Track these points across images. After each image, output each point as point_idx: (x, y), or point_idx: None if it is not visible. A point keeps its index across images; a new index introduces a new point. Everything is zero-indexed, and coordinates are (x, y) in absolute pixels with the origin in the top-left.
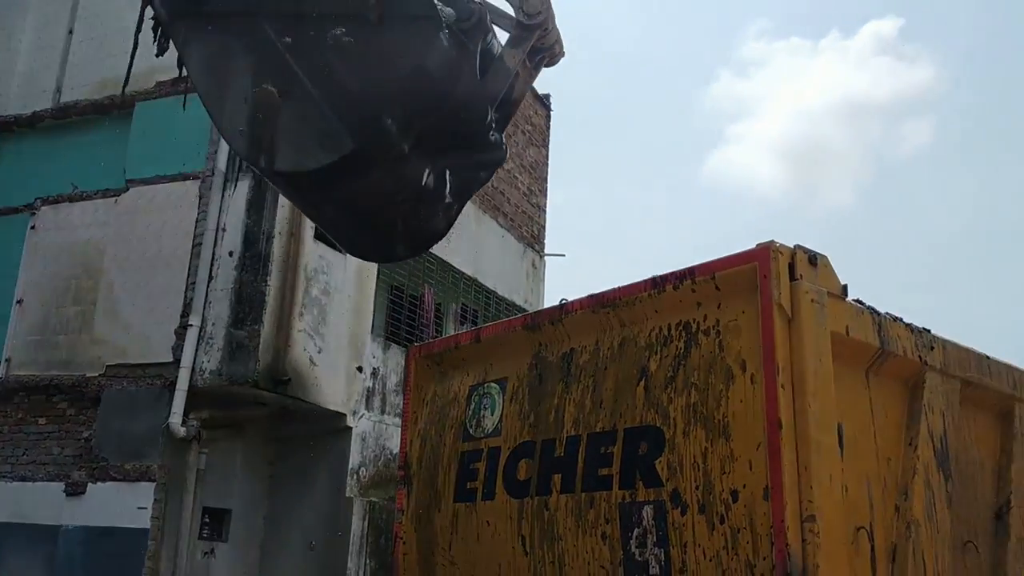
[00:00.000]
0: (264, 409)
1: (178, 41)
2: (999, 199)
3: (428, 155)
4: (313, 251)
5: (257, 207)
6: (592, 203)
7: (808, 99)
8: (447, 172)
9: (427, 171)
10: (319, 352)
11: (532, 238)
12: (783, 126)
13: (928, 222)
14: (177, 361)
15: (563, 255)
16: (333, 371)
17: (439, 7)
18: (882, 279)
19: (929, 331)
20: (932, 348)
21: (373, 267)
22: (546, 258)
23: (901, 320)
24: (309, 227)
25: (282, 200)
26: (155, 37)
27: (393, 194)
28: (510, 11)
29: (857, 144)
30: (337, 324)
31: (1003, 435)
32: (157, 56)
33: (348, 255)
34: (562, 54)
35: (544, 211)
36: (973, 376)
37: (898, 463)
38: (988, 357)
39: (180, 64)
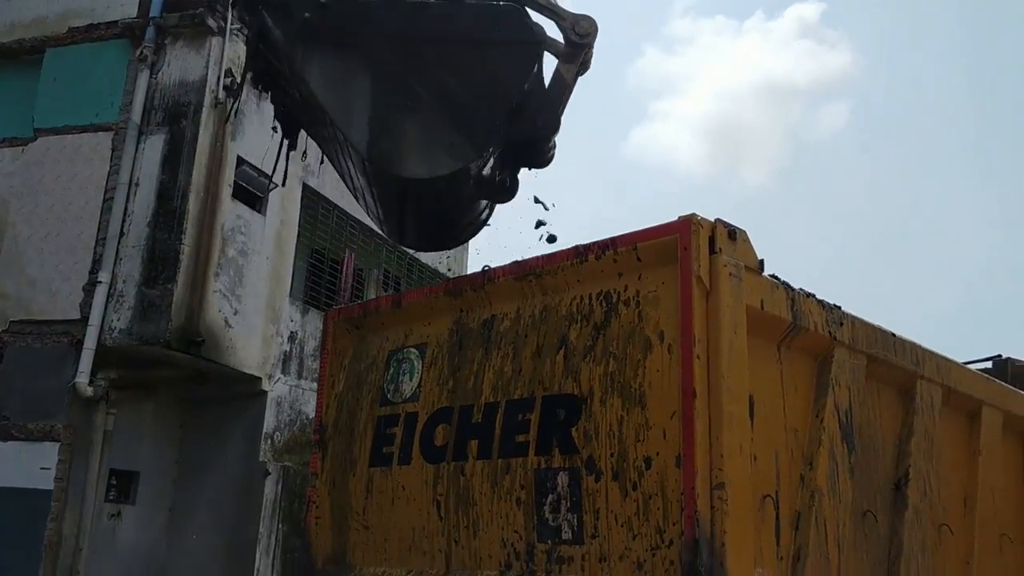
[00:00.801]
0: (176, 370)
1: (295, 61)
2: (907, 183)
3: (501, 158)
4: (231, 210)
5: (172, 163)
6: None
7: (731, 79)
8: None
9: (497, 172)
10: (235, 314)
11: None
12: (706, 105)
13: (841, 204)
14: (85, 319)
15: (489, 224)
16: (249, 334)
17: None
18: (797, 258)
19: (839, 307)
20: (842, 324)
21: (293, 229)
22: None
23: (813, 296)
24: (226, 185)
25: (199, 156)
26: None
27: (469, 194)
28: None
29: (777, 125)
30: (254, 286)
31: (905, 410)
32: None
33: (267, 215)
34: (590, 64)
35: None
36: (879, 352)
37: (805, 434)
38: (894, 335)
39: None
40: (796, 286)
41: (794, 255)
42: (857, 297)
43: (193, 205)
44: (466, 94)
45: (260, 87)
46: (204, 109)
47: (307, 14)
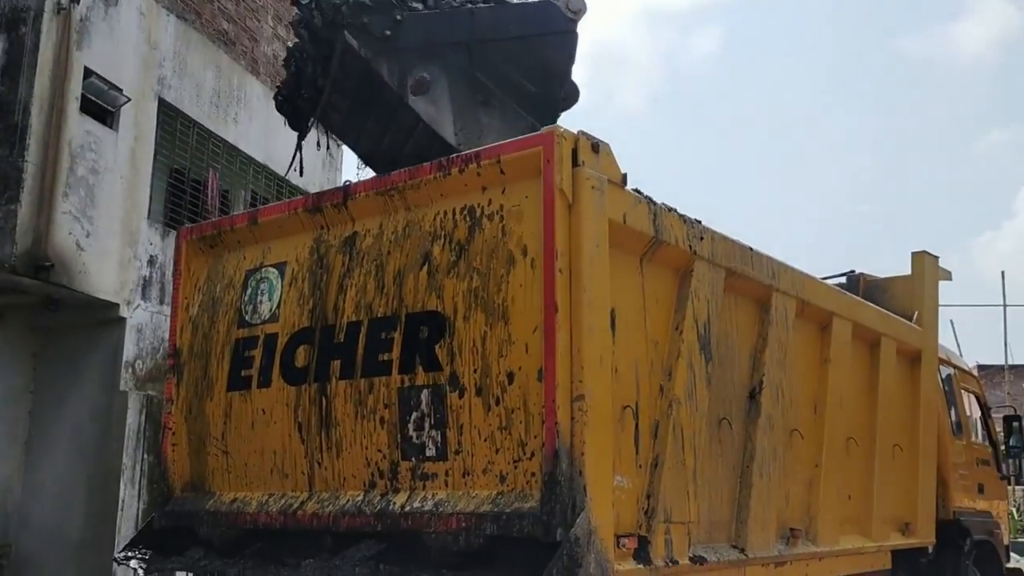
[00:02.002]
0: (25, 297)
1: (383, 75)
2: (778, 107)
3: None
4: (79, 125)
5: (11, 74)
6: None
7: (607, 3)
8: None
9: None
10: (87, 236)
11: None
12: (582, 28)
13: (714, 127)
14: None
15: None
16: (104, 257)
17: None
18: (670, 180)
19: (700, 222)
20: (702, 239)
21: (149, 147)
22: (343, 147)
23: (675, 211)
24: (73, 98)
25: (41, 67)
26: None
27: None
28: None
29: (653, 50)
30: (108, 207)
31: (760, 322)
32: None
33: (119, 132)
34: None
35: None
36: (737, 266)
37: (665, 346)
38: (752, 249)
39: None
40: (659, 200)
41: (669, 176)
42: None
43: (36, 120)
44: (527, 82)
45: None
46: (45, 15)
47: (387, 31)
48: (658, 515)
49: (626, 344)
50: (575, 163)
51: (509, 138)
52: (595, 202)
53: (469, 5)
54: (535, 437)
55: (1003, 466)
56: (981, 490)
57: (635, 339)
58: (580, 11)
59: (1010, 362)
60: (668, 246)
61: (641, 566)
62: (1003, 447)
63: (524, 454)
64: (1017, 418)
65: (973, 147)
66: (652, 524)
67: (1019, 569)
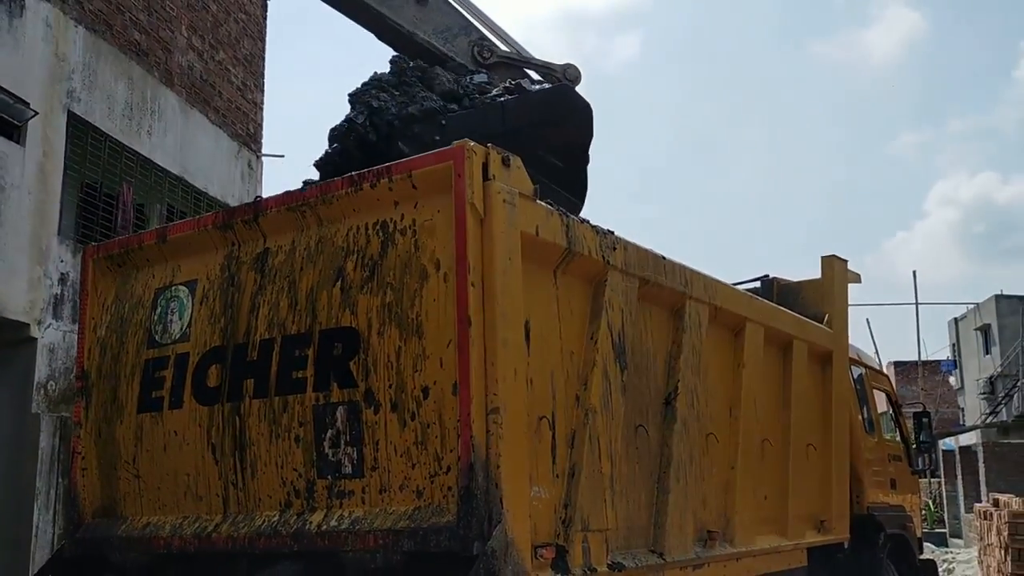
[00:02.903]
0: None
1: None
2: (692, 112)
3: None
4: None
5: None
6: (318, 104)
7: (528, 8)
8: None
9: None
10: None
11: (248, 137)
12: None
13: (635, 133)
14: None
15: (282, 156)
16: (12, 276)
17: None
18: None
19: (612, 232)
20: (615, 249)
21: (58, 162)
22: (264, 159)
23: (588, 222)
24: None
25: None
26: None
27: None
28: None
29: (573, 55)
30: (16, 224)
31: (675, 329)
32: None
33: (26, 147)
34: None
35: (261, 108)
36: (650, 275)
37: (580, 356)
38: (664, 258)
39: None
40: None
41: (595, 187)
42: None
43: None
44: (559, 161)
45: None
46: None
47: (437, 137)
48: (575, 524)
49: (541, 355)
50: (486, 177)
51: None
52: (507, 215)
53: (500, 100)
54: (451, 451)
55: (915, 461)
56: (894, 485)
57: (550, 350)
58: (577, 79)
59: (923, 358)
60: (581, 257)
61: (559, 575)
62: (914, 443)
63: (440, 468)
64: (926, 414)
65: (885, 150)
66: (570, 533)
67: (932, 560)
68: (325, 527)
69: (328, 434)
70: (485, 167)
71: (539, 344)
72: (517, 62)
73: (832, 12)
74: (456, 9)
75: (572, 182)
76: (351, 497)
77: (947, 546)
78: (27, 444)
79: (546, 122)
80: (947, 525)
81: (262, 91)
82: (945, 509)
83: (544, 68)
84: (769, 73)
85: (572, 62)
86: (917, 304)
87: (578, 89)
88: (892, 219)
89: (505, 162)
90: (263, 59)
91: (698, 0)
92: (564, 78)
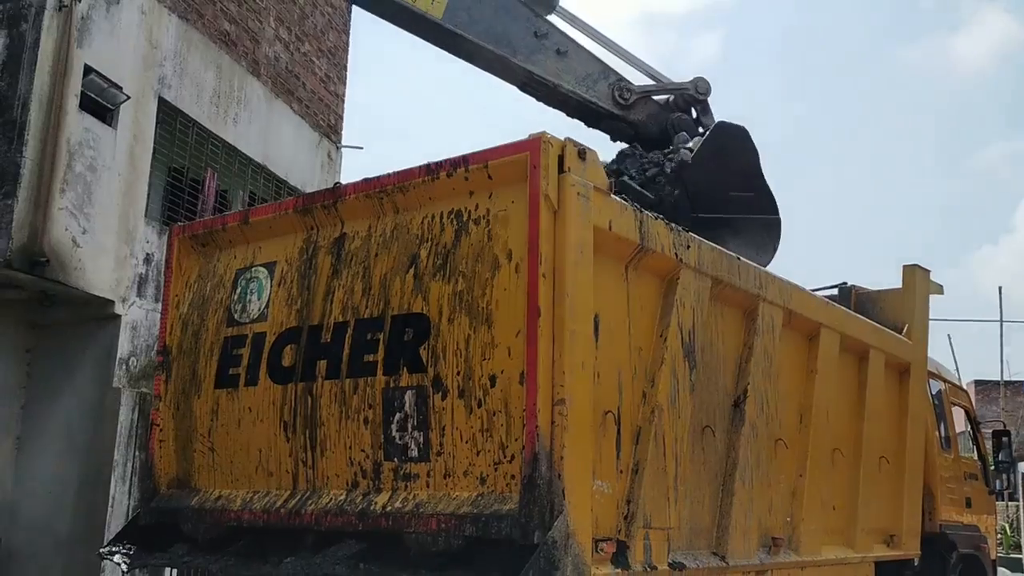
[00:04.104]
0: (19, 292)
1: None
2: (775, 114)
3: None
4: (78, 122)
5: (11, 70)
6: (395, 98)
7: (608, 9)
8: None
9: None
10: (83, 233)
11: (329, 128)
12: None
13: None
14: None
15: (361, 148)
16: (100, 254)
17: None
18: None
19: (687, 231)
20: (688, 247)
21: (148, 145)
22: (343, 150)
23: (662, 219)
24: (73, 95)
25: (41, 63)
26: None
27: None
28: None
29: (651, 55)
30: (105, 204)
31: (746, 331)
32: None
33: (118, 130)
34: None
35: (343, 100)
36: (723, 275)
37: (649, 353)
38: (739, 259)
39: None
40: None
41: None
42: None
43: (35, 116)
44: (744, 190)
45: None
46: (46, 12)
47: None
48: (638, 520)
49: (609, 350)
50: (561, 170)
51: (763, 249)
52: (580, 208)
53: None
54: (516, 440)
55: (993, 481)
56: (969, 504)
57: (619, 345)
58: (707, 92)
59: (1006, 378)
60: (654, 253)
61: (619, 570)
62: (992, 463)
63: (504, 457)
64: (1006, 433)
65: (973, 160)
66: (631, 529)
67: None
68: (390, 508)
69: (396, 417)
70: (561, 159)
71: (608, 338)
72: (652, 92)
73: (921, 15)
74: (593, 56)
75: (763, 203)
76: (416, 480)
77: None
78: (107, 417)
79: (723, 165)
80: None
81: (344, 83)
82: (1023, 534)
83: (677, 90)
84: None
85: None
86: (1002, 321)
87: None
88: (978, 232)
89: (581, 155)
90: (347, 51)
91: (779, 0)
92: (696, 92)
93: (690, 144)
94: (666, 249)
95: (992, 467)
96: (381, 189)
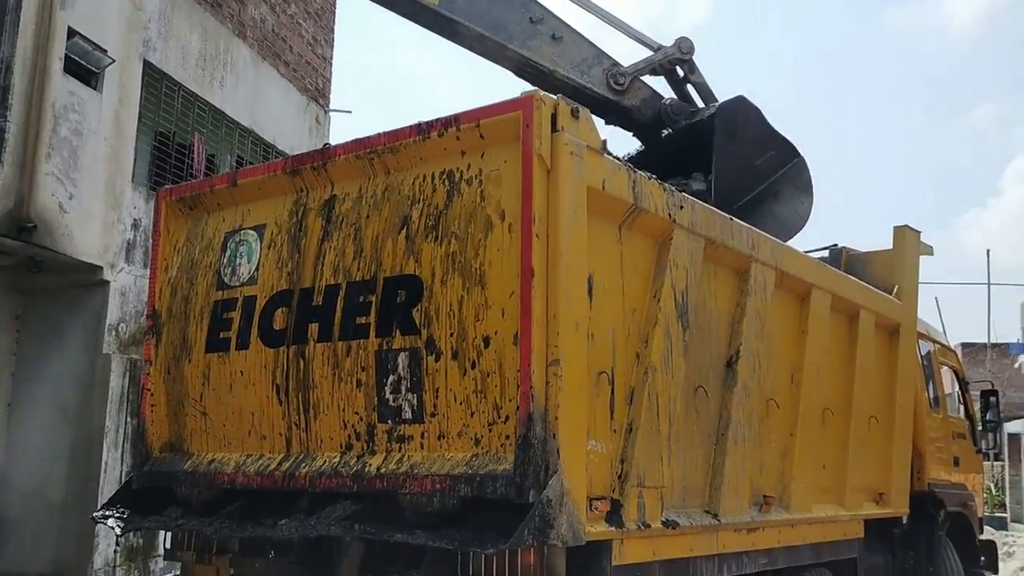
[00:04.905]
0: (7, 258)
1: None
2: (764, 79)
3: None
4: (62, 86)
5: None
6: (385, 61)
7: None
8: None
9: None
10: (70, 198)
11: (316, 92)
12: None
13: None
14: None
15: (349, 112)
16: (87, 219)
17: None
18: None
19: (680, 191)
20: (681, 207)
21: (133, 109)
22: (331, 114)
23: (655, 179)
24: (57, 58)
25: (24, 26)
26: None
27: None
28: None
29: (639, 19)
30: (92, 169)
31: (739, 292)
32: None
33: (103, 93)
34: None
35: (330, 63)
36: (716, 235)
37: (642, 314)
38: (731, 219)
39: None
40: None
41: None
42: None
43: (19, 79)
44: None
45: None
46: None
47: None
48: (631, 479)
49: (603, 310)
50: (554, 128)
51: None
52: (574, 168)
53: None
54: (510, 401)
55: (980, 440)
56: (956, 463)
57: (612, 306)
58: (691, 51)
59: (993, 340)
60: (647, 214)
61: (613, 528)
62: (980, 422)
63: (499, 417)
64: (994, 393)
65: (961, 122)
66: (625, 488)
67: (992, 541)
68: (384, 470)
69: (389, 380)
70: (554, 118)
71: (601, 299)
72: (642, 67)
73: None
74: (587, 41)
75: (783, 151)
76: (410, 442)
77: (1007, 530)
78: (98, 383)
79: (739, 147)
80: (1008, 509)
81: (332, 46)
82: (1007, 493)
83: (664, 56)
84: (841, 41)
85: (685, 36)
86: (989, 284)
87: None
88: (966, 195)
89: (574, 114)
90: (333, 14)
91: None
92: (681, 52)
93: (699, 180)
94: (659, 209)
95: (980, 427)
96: (371, 150)
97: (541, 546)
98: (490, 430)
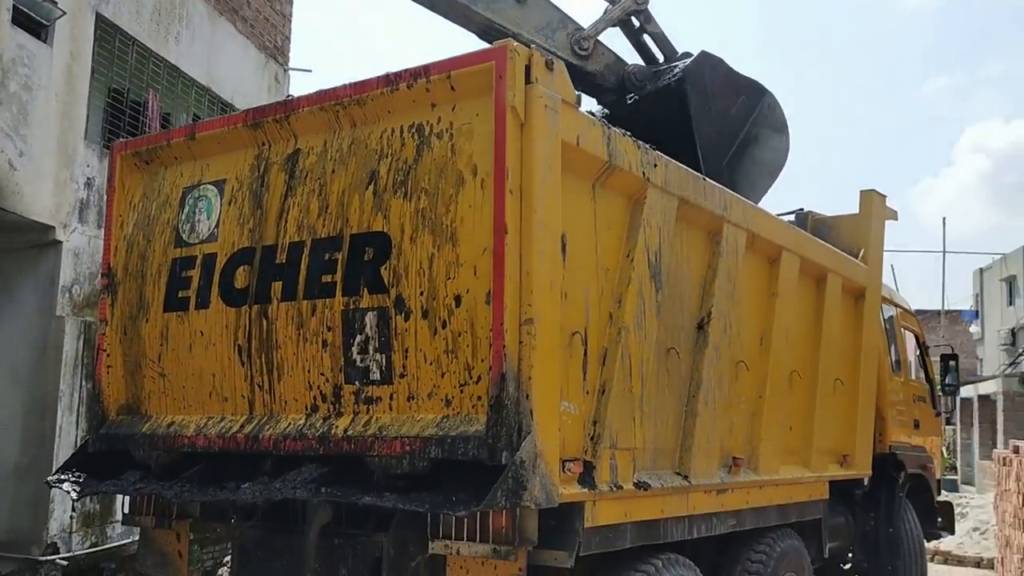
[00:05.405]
0: None
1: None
2: (721, 50)
3: None
4: (11, 38)
5: None
6: (345, 22)
7: None
8: None
9: None
10: (20, 156)
11: (275, 49)
12: None
13: None
14: None
15: (310, 71)
16: (38, 178)
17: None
18: None
19: (654, 148)
20: (655, 166)
21: (85, 64)
22: (291, 72)
23: (629, 135)
24: (5, 8)
25: None
26: None
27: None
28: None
29: None
30: (43, 125)
31: (711, 253)
32: None
33: (54, 47)
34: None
35: (289, 20)
36: (690, 195)
37: (615, 274)
38: (705, 178)
39: None
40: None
41: None
42: None
43: None
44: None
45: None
46: None
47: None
48: (604, 441)
49: (576, 270)
50: (528, 80)
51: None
52: (548, 122)
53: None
54: (482, 361)
55: (939, 404)
56: (917, 426)
57: (585, 265)
58: (645, 0)
59: (945, 307)
60: (621, 171)
61: (586, 490)
62: (939, 385)
63: (471, 378)
64: (954, 357)
65: (914, 93)
66: (598, 449)
67: (948, 502)
68: (351, 432)
69: (356, 340)
70: (528, 69)
71: (574, 258)
72: (602, 28)
73: None
74: (551, 4)
75: (752, 94)
76: (378, 404)
77: (958, 491)
78: (51, 346)
79: (713, 105)
80: (959, 472)
81: (291, 2)
82: (959, 456)
83: (621, 10)
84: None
85: None
86: (944, 252)
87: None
88: (919, 165)
89: (548, 66)
90: None
91: None
92: (636, 3)
93: None
94: (633, 167)
95: (939, 391)
96: (337, 102)
97: (513, 508)
98: (461, 391)
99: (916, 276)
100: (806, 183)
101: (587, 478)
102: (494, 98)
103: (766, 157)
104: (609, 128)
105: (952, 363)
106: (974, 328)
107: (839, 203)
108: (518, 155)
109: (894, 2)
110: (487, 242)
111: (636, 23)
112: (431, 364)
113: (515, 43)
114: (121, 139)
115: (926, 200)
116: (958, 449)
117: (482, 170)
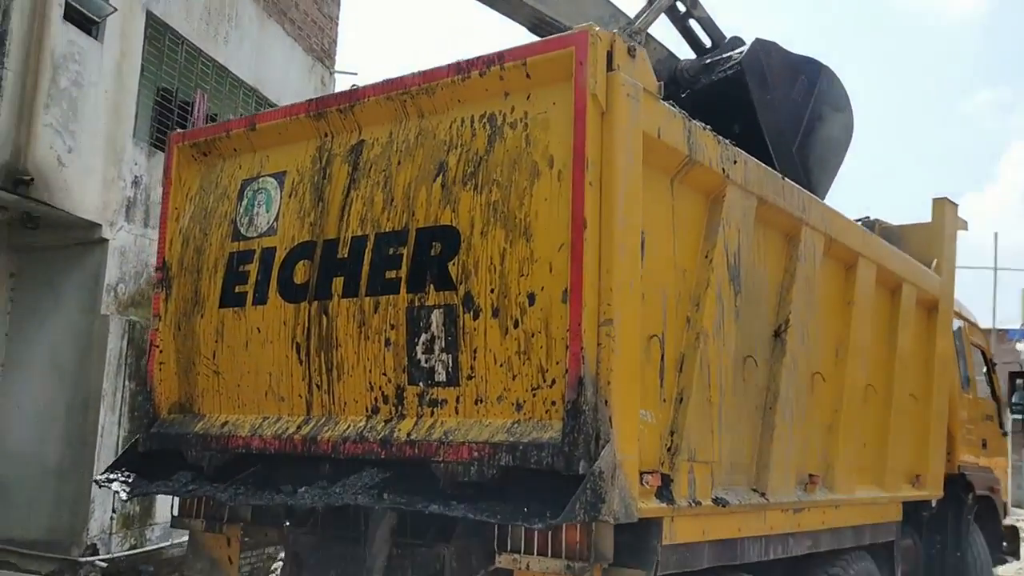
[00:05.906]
0: (2, 213)
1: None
2: None
3: None
4: (62, 34)
5: None
6: (393, 22)
7: None
8: None
9: None
10: (69, 152)
11: (322, 52)
12: None
13: None
14: None
15: (355, 74)
16: (86, 175)
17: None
18: None
19: (734, 144)
20: (735, 162)
21: (135, 62)
22: (336, 75)
23: (709, 129)
24: (57, 4)
25: None
26: None
27: None
28: None
29: None
30: (91, 122)
31: (788, 257)
32: None
33: (104, 43)
34: None
35: (336, 23)
36: (769, 195)
37: (693, 275)
38: (783, 178)
39: None
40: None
41: None
42: None
43: (17, 26)
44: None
45: None
46: None
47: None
48: (682, 453)
49: (654, 270)
50: (610, 67)
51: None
52: (630, 111)
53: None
54: (557, 363)
55: (1005, 423)
56: (984, 445)
57: (663, 265)
58: None
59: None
60: (701, 167)
61: (664, 505)
62: (1010, 405)
63: (544, 381)
64: (1022, 375)
65: (959, 108)
66: (675, 462)
67: (1015, 526)
68: (415, 436)
69: (421, 339)
70: (610, 56)
71: (652, 257)
72: (651, 20)
73: None
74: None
75: (810, 70)
76: (443, 406)
77: (1009, 514)
78: (95, 345)
79: (773, 89)
80: (1009, 494)
81: (338, 5)
82: (1010, 478)
83: (670, 1)
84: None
85: None
86: (996, 269)
87: None
88: (963, 180)
89: (631, 52)
90: None
91: None
92: None
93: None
94: (714, 163)
95: (1009, 410)
96: (404, 91)
97: (590, 522)
98: (534, 395)
99: (959, 291)
100: (846, 197)
101: (665, 492)
102: (574, 85)
103: (832, 135)
104: (690, 121)
105: (1020, 381)
106: (1021, 346)
107: (880, 216)
108: (599, 146)
109: (938, 12)
110: (564, 237)
111: (682, 8)
112: (501, 366)
113: (596, 27)
114: (178, 130)
115: (970, 216)
116: (1010, 470)
117: (559, 161)
